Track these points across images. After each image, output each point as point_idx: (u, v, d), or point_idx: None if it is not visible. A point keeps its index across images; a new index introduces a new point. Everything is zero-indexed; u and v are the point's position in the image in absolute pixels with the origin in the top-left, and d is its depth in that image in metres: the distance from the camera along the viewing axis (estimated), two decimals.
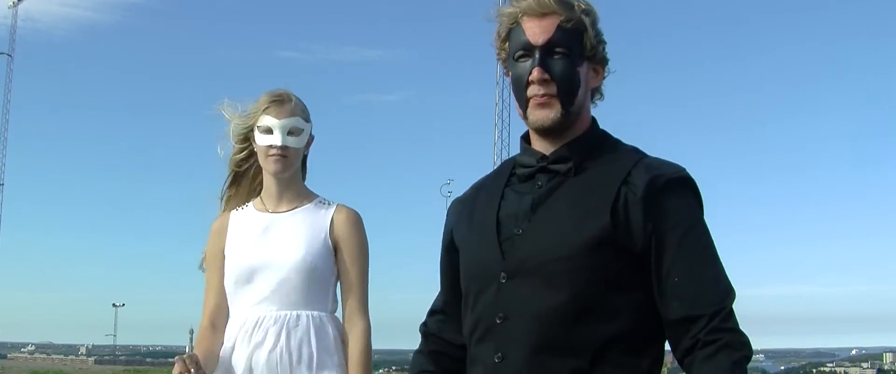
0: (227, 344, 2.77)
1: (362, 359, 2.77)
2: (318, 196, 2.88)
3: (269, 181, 2.85)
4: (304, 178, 2.95)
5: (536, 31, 1.89)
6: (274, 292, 2.72)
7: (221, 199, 2.96)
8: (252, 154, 2.89)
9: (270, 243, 2.77)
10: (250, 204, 2.90)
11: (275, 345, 2.69)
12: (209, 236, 2.92)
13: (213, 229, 2.92)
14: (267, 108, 2.80)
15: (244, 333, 2.72)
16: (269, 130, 2.77)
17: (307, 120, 2.83)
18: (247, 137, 2.87)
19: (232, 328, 2.77)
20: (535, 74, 1.88)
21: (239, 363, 2.72)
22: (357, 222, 2.83)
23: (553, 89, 1.88)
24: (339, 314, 2.84)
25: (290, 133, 2.77)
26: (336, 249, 2.79)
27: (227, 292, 2.82)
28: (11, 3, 47.75)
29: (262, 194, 2.88)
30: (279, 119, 2.77)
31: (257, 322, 2.72)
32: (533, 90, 1.89)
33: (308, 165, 2.95)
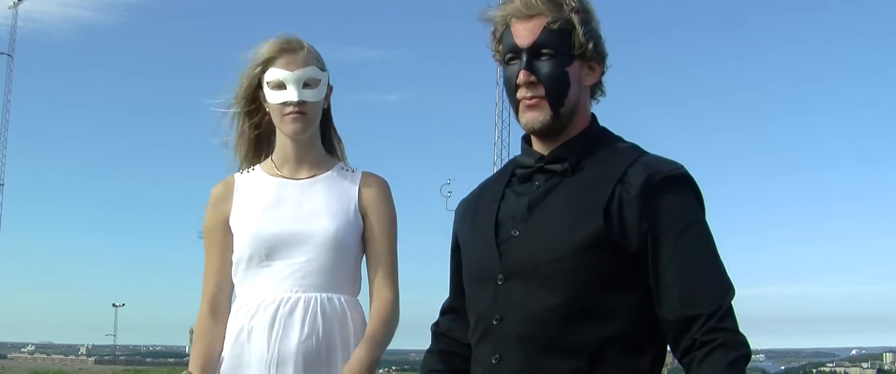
0: (240, 330, 2.38)
1: (381, 328, 2.39)
2: (339, 161, 2.55)
3: (285, 144, 2.48)
4: (330, 138, 2.58)
5: (522, 34, 1.88)
6: (300, 270, 2.37)
7: (241, 170, 2.56)
8: (263, 114, 2.52)
9: (294, 214, 2.41)
10: (257, 167, 2.53)
11: (309, 333, 2.33)
12: (209, 204, 2.52)
13: (215, 195, 2.52)
14: (275, 59, 2.43)
15: (265, 318, 2.35)
16: (280, 85, 2.40)
17: (323, 69, 2.46)
18: (255, 97, 2.50)
19: (247, 312, 2.39)
20: (522, 76, 1.87)
21: (261, 353, 2.34)
22: (387, 191, 2.50)
23: (541, 91, 1.87)
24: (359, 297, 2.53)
25: (306, 86, 2.40)
26: (364, 220, 2.46)
27: (235, 269, 2.45)
28: (12, 3, 47.75)
29: (273, 157, 2.52)
30: (292, 71, 2.40)
31: (281, 306, 2.35)
32: (521, 93, 1.89)
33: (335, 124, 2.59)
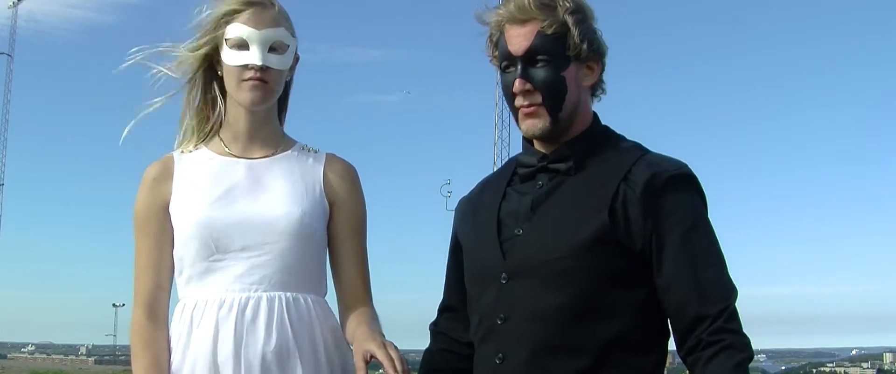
0: (200, 338, 2.00)
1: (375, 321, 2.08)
2: (297, 141, 2.20)
3: (238, 116, 2.11)
4: (282, 118, 2.22)
5: (516, 41, 1.86)
6: (259, 264, 2.02)
7: (182, 143, 2.18)
8: (212, 80, 2.13)
9: (249, 198, 2.06)
10: (202, 145, 2.16)
11: (278, 343, 1.98)
12: (142, 187, 2.12)
13: (150, 176, 2.12)
14: (239, 13, 2.07)
15: (228, 328, 1.98)
16: (242, 45, 2.04)
17: (293, 35, 2.11)
18: (209, 55, 2.11)
19: (199, 319, 2.02)
20: (517, 85, 1.86)
21: (226, 363, 1.97)
22: (357, 179, 2.18)
23: (538, 99, 1.86)
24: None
25: (272, 50, 2.05)
26: (330, 210, 2.13)
27: (178, 267, 2.08)
28: (12, 3, 47.66)
29: (221, 133, 2.15)
30: (258, 29, 2.04)
31: (243, 307, 1.99)
32: (519, 101, 1.87)
33: (290, 102, 2.23)
